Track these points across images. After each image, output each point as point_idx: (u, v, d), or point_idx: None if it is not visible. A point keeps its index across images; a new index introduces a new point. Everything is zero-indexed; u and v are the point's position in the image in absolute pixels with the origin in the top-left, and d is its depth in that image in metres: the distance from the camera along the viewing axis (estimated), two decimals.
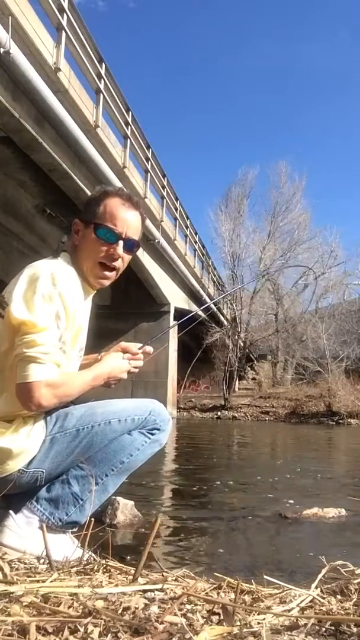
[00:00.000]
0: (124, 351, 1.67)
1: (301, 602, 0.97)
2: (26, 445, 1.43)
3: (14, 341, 1.39)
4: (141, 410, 1.60)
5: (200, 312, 16.11)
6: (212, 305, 17.79)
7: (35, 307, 1.37)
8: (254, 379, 23.10)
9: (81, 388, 1.48)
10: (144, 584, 1.03)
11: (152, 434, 1.61)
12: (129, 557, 1.57)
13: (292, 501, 2.79)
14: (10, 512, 1.46)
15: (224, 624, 0.84)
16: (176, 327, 13.16)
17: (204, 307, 14.85)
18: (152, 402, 1.68)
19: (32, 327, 1.36)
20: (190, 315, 2.70)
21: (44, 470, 1.48)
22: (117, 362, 1.60)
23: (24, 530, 1.44)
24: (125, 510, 2.21)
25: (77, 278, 1.55)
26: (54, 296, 1.40)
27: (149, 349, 1.70)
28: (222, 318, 22.53)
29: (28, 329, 1.36)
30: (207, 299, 18.63)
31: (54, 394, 1.38)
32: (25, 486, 1.48)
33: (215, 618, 0.87)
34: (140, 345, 1.72)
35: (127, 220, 1.58)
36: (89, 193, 8.95)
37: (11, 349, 1.40)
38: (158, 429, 1.63)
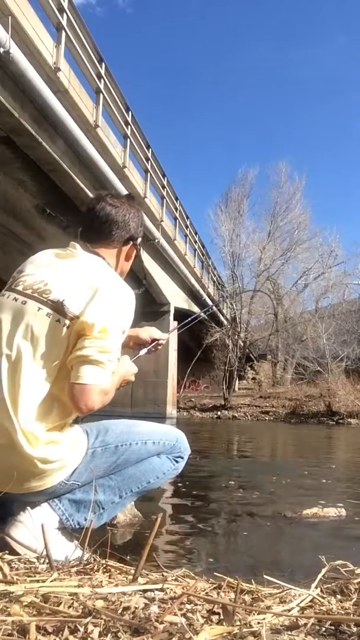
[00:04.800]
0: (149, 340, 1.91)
1: (301, 601, 0.97)
2: (73, 456, 1.45)
3: (71, 352, 1.40)
4: (170, 436, 1.72)
5: (201, 314, 16.12)
6: (214, 306, 17.79)
7: (111, 319, 1.43)
8: (253, 378, 23.09)
9: (114, 392, 1.50)
10: (144, 583, 1.03)
11: (177, 462, 1.74)
12: (129, 557, 1.57)
13: (292, 501, 2.79)
14: (28, 508, 1.45)
15: (224, 623, 0.84)
16: (175, 324, 13.18)
17: (206, 309, 14.83)
18: (177, 430, 1.81)
19: (107, 336, 1.40)
20: (191, 318, 2.77)
21: (79, 483, 1.49)
22: (128, 364, 1.65)
23: (39, 529, 1.38)
24: (125, 510, 2.20)
25: None
26: (126, 314, 1.50)
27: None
28: (222, 318, 22.52)
29: (102, 335, 1.39)
30: (207, 299, 18.63)
31: (102, 400, 1.40)
32: (55, 494, 1.48)
33: (215, 618, 0.87)
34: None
35: None
36: (89, 193, 8.95)
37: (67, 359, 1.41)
38: (182, 457, 1.75)
